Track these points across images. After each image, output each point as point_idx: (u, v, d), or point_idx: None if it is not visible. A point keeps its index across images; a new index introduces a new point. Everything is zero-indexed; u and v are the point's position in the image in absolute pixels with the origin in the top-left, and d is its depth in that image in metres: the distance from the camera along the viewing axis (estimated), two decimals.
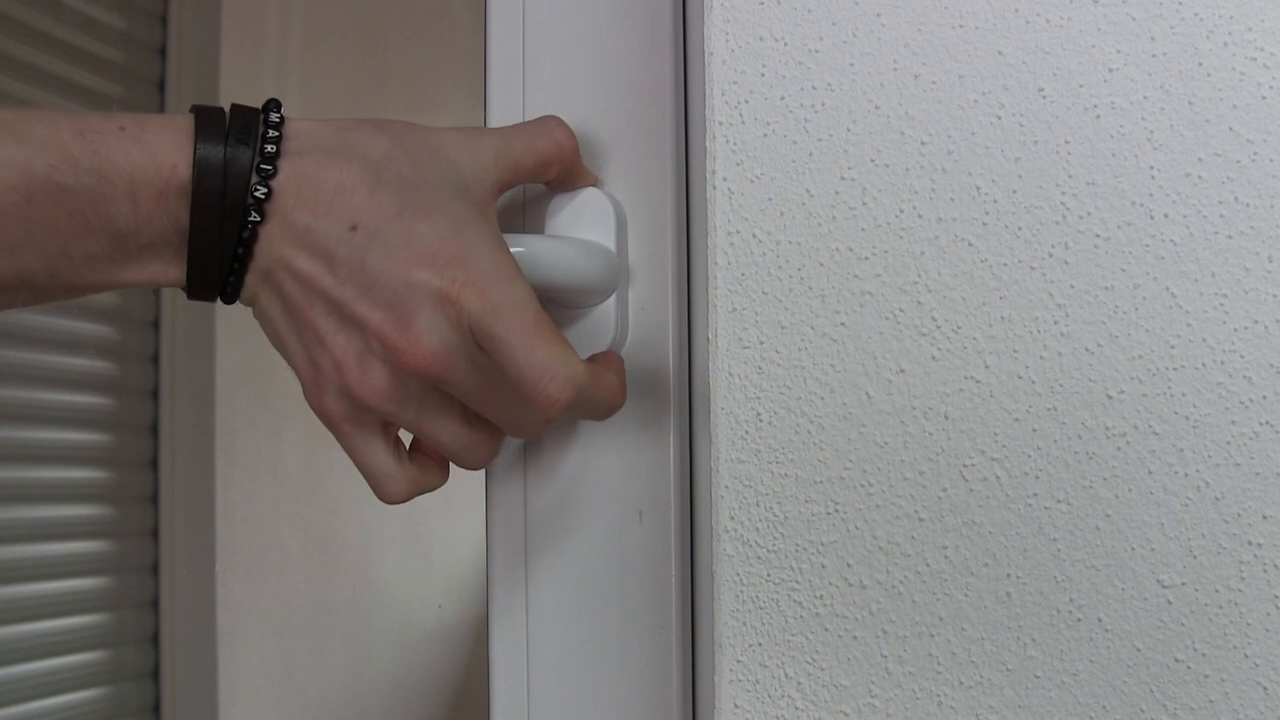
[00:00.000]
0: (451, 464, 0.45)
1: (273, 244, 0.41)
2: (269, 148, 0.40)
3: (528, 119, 0.49)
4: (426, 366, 0.40)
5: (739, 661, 0.41)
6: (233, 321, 1.62)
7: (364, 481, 0.44)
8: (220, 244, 0.41)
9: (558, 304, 0.48)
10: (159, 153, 0.40)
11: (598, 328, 0.48)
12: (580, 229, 0.48)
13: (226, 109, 0.41)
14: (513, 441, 0.50)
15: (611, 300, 0.48)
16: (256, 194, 0.40)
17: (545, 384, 0.40)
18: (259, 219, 0.40)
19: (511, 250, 0.43)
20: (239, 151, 0.40)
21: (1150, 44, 0.38)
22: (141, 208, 0.39)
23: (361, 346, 0.41)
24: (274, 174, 0.40)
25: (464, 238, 0.40)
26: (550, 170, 0.46)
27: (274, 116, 0.41)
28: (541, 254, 0.45)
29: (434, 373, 0.40)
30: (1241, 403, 0.37)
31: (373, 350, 0.40)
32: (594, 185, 0.48)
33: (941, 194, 0.40)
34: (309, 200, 0.40)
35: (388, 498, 0.45)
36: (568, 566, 0.49)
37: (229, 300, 0.43)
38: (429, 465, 0.45)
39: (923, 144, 0.40)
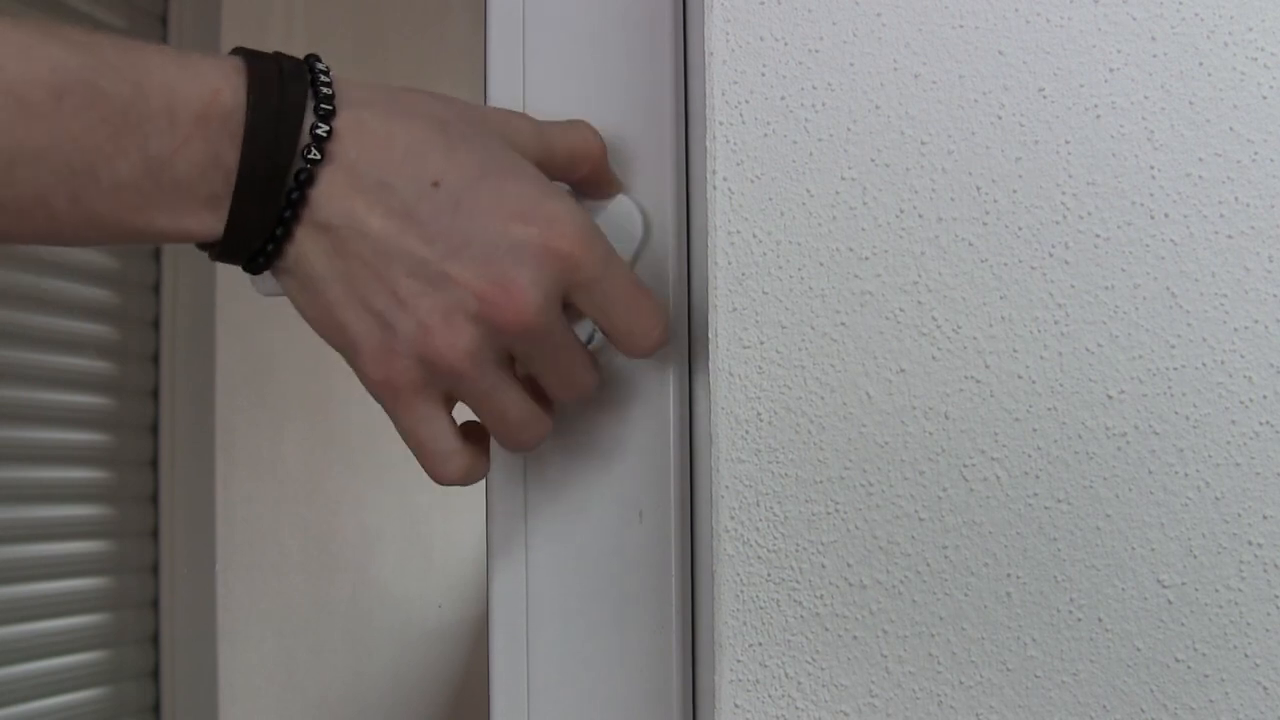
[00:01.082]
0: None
1: (337, 195, 0.38)
2: (325, 90, 0.38)
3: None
4: (529, 321, 0.39)
5: (739, 661, 0.41)
6: (233, 321, 1.62)
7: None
8: (270, 186, 0.37)
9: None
10: (203, 75, 0.36)
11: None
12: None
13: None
14: None
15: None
16: (318, 131, 0.37)
17: (652, 329, 0.43)
18: (319, 157, 0.37)
19: None
20: (294, 86, 0.37)
21: (1151, 44, 0.38)
22: (180, 129, 0.36)
23: (450, 305, 0.39)
24: (333, 114, 0.38)
25: (552, 196, 0.40)
26: (579, 168, 0.45)
27: (320, 65, 0.39)
28: None
29: (534, 327, 0.39)
30: (1242, 403, 0.37)
31: (466, 309, 0.39)
32: (622, 193, 0.48)
33: (942, 194, 0.40)
34: (376, 155, 0.38)
35: (445, 477, 0.42)
36: (568, 566, 0.49)
37: (262, 263, 0.39)
38: (480, 451, 0.43)
39: (923, 144, 0.40)
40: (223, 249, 0.39)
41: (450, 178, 0.39)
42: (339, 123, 0.38)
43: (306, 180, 0.38)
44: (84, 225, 0.37)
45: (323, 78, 0.38)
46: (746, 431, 0.41)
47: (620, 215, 0.47)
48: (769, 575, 0.41)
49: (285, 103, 0.37)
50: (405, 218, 0.38)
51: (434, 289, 0.39)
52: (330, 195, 0.38)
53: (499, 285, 0.39)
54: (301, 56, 0.40)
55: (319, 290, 0.39)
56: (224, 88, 0.36)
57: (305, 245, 0.39)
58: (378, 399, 0.41)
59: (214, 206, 0.38)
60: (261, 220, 0.38)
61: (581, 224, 0.41)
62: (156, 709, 1.59)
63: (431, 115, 0.40)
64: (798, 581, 0.41)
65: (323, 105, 0.38)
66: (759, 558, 0.41)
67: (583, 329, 0.46)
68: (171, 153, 0.36)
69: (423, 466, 0.42)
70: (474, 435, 0.44)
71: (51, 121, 0.34)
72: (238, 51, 0.38)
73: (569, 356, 0.43)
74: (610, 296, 0.42)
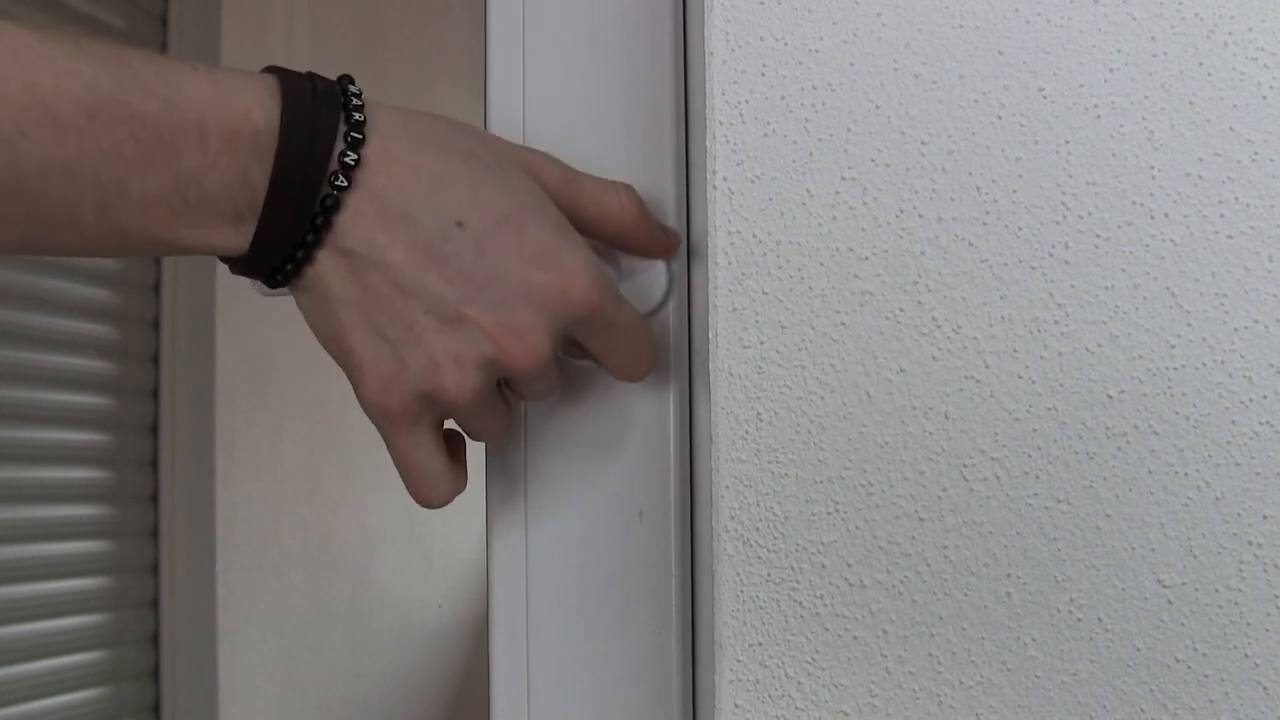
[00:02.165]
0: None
1: (362, 223, 0.38)
2: (356, 115, 0.38)
3: (528, 124, 0.49)
4: (536, 366, 0.40)
5: (739, 661, 0.41)
6: (233, 322, 1.62)
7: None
8: (298, 207, 0.37)
9: None
10: (234, 95, 0.37)
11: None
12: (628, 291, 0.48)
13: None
14: (512, 442, 0.50)
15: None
16: (346, 160, 0.37)
17: (644, 365, 0.45)
18: (345, 184, 0.38)
19: None
20: (326, 110, 0.38)
21: (1151, 44, 0.38)
22: (210, 148, 0.36)
23: (463, 348, 0.39)
24: (363, 142, 0.38)
25: (570, 245, 0.41)
26: (604, 230, 0.45)
27: (353, 88, 0.39)
28: None
29: (540, 369, 0.40)
30: (1242, 403, 0.37)
31: (479, 351, 0.39)
32: (666, 259, 0.47)
33: (942, 194, 0.40)
34: (403, 186, 0.38)
35: (435, 499, 0.43)
36: (568, 566, 0.49)
37: (282, 279, 0.40)
38: (460, 468, 0.44)
39: (923, 144, 0.40)
40: (246, 264, 0.39)
41: (474, 218, 0.39)
42: (368, 150, 0.38)
43: (333, 206, 0.38)
44: (111, 237, 0.37)
45: (354, 101, 0.39)
46: (746, 431, 0.41)
47: (648, 276, 0.47)
48: (769, 575, 0.41)
49: (317, 128, 0.37)
50: (428, 254, 0.38)
51: (450, 329, 0.39)
52: (355, 223, 0.38)
53: (513, 332, 0.39)
54: (334, 77, 0.40)
55: (333, 311, 0.39)
56: (255, 107, 0.37)
57: (325, 267, 0.39)
58: (374, 421, 0.41)
59: (240, 223, 0.38)
60: (285, 241, 0.38)
61: (596, 276, 0.41)
62: (156, 709, 1.59)
63: (460, 148, 0.40)
64: (798, 581, 0.41)
65: (353, 133, 0.38)
66: (759, 558, 0.41)
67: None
68: (201, 170, 0.36)
69: (411, 489, 0.43)
70: (453, 452, 0.44)
71: (83, 137, 0.35)
72: (272, 70, 0.39)
73: (553, 380, 0.44)
74: (614, 340, 0.43)
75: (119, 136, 0.35)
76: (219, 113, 0.36)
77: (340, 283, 0.39)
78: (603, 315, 0.42)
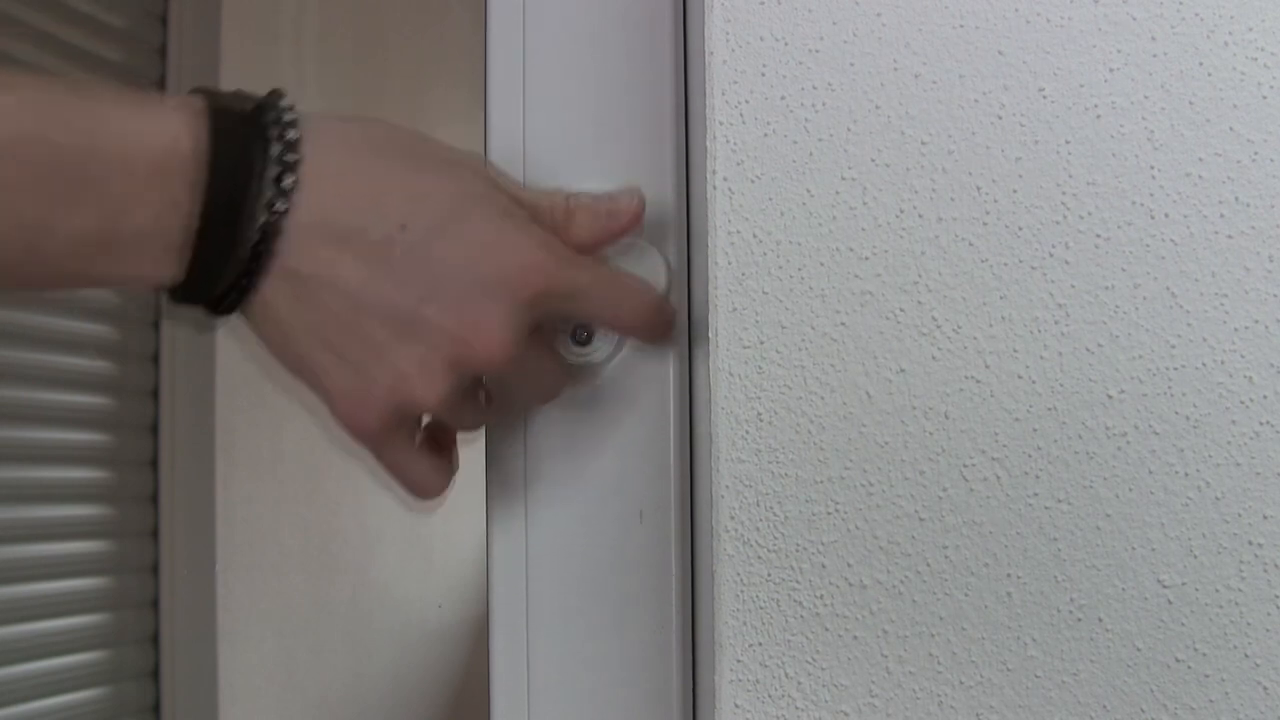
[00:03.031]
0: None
1: (305, 243, 0.37)
2: (290, 133, 0.37)
3: (528, 124, 0.49)
4: (502, 358, 0.39)
5: (739, 661, 0.41)
6: (233, 322, 1.62)
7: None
8: (236, 234, 0.36)
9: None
10: (161, 120, 0.35)
11: None
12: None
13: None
14: (512, 443, 0.50)
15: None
16: (283, 183, 0.36)
17: (645, 311, 0.43)
18: (284, 209, 0.36)
19: None
20: (256, 135, 0.36)
21: (1151, 44, 0.38)
22: (137, 179, 0.35)
23: (426, 353, 0.38)
24: (299, 162, 0.37)
25: (516, 225, 0.40)
26: (553, 215, 0.44)
27: (285, 102, 0.38)
28: None
29: (507, 361, 0.39)
30: (1242, 402, 0.37)
31: (442, 354, 0.38)
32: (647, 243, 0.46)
33: (942, 194, 0.40)
34: (343, 199, 0.37)
35: (432, 493, 0.43)
36: (568, 566, 0.49)
37: (225, 307, 0.38)
38: (446, 459, 0.44)
39: (923, 144, 0.40)
40: (184, 295, 0.38)
41: (417, 220, 0.38)
42: (305, 170, 0.37)
43: (272, 232, 0.36)
44: (43, 275, 0.36)
45: (286, 116, 0.37)
46: (746, 431, 0.41)
47: (647, 275, 0.47)
48: (769, 575, 0.41)
49: (248, 152, 0.36)
50: (376, 264, 0.37)
51: (410, 336, 0.38)
52: (298, 244, 0.37)
53: (472, 326, 0.38)
54: (264, 94, 0.38)
55: (290, 338, 0.38)
56: (183, 134, 0.35)
57: (273, 294, 0.37)
58: (360, 441, 0.41)
59: (174, 254, 0.36)
60: (225, 270, 0.37)
61: (542, 245, 0.40)
62: (156, 709, 1.59)
63: (396, 149, 0.39)
64: (798, 581, 0.41)
65: (287, 155, 0.36)
66: (759, 558, 0.41)
67: (601, 348, 0.47)
68: (129, 203, 0.35)
69: (405, 493, 0.42)
70: (438, 443, 0.44)
71: (4, 172, 0.33)
72: (199, 91, 0.37)
73: (538, 368, 0.43)
74: (594, 304, 0.42)
75: (41, 172, 0.34)
76: (144, 144, 0.35)
77: (291, 307, 0.38)
78: (562, 283, 0.40)
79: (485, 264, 0.39)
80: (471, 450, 0.46)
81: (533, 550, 0.49)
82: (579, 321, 0.44)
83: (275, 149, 0.36)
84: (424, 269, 0.38)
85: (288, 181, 0.36)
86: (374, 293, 0.37)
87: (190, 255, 0.36)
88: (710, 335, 0.42)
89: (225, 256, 0.36)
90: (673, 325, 0.45)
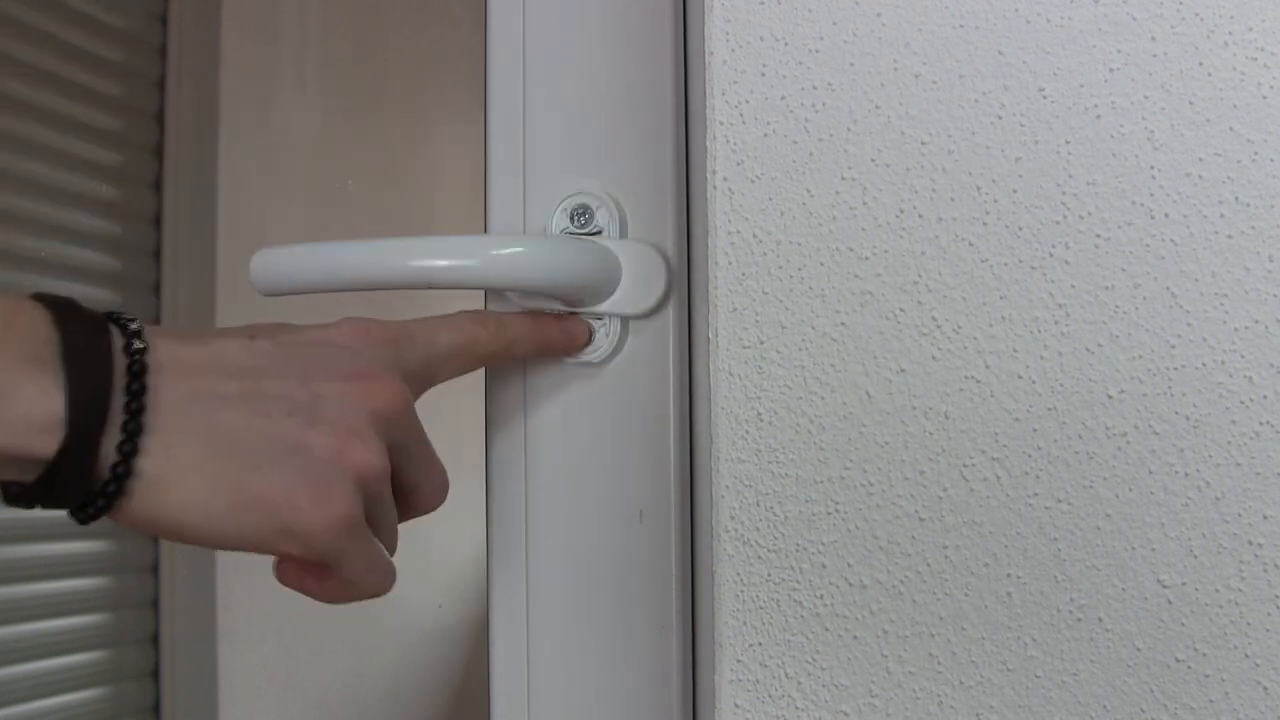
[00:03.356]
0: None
1: (178, 397, 0.37)
2: (135, 386, 0.36)
3: (528, 125, 0.49)
4: (401, 396, 0.40)
5: (739, 661, 0.41)
6: (233, 322, 1.62)
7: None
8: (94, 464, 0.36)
9: (565, 303, 0.48)
10: (16, 403, 0.34)
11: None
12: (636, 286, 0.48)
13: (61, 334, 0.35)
14: (512, 443, 0.50)
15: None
16: (126, 448, 0.35)
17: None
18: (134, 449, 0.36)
19: (509, 250, 0.44)
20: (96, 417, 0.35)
21: (1151, 44, 0.38)
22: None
23: (341, 415, 0.39)
24: (143, 409, 0.36)
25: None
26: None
27: (137, 344, 0.37)
28: (541, 254, 0.45)
29: (407, 402, 0.41)
30: (1242, 402, 0.37)
31: (354, 409, 0.39)
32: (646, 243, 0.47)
33: (942, 194, 0.40)
34: (192, 368, 0.38)
35: (388, 588, 0.42)
36: (568, 566, 0.49)
37: (105, 505, 0.37)
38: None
39: (923, 144, 0.40)
40: (44, 497, 0.39)
41: (257, 333, 0.40)
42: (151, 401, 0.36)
43: (131, 451, 0.36)
44: None
45: (135, 358, 0.36)
46: (746, 431, 0.41)
47: (648, 275, 0.47)
48: (769, 575, 0.41)
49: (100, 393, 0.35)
50: (248, 373, 0.38)
51: (317, 412, 0.38)
52: (173, 399, 0.37)
53: (360, 374, 0.40)
54: (103, 314, 0.37)
55: (207, 484, 0.37)
56: (37, 408, 0.35)
57: (163, 446, 0.36)
58: (333, 546, 0.38)
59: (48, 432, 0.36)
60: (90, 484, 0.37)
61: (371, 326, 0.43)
62: (156, 709, 1.59)
63: (240, 334, 0.40)
64: (798, 581, 0.41)
65: (132, 404, 0.36)
66: (759, 558, 0.41)
67: (601, 348, 0.47)
68: None
69: (371, 589, 0.41)
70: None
71: None
72: (54, 316, 0.36)
73: (429, 451, 0.43)
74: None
75: None
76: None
77: (191, 449, 0.37)
78: (407, 341, 0.43)
79: (330, 334, 0.41)
80: (472, 450, 0.46)
81: (533, 550, 0.49)
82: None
83: (121, 378, 0.36)
84: (291, 356, 0.40)
85: (129, 446, 0.36)
86: (261, 394, 0.38)
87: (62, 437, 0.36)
88: (710, 335, 0.42)
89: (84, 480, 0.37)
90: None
